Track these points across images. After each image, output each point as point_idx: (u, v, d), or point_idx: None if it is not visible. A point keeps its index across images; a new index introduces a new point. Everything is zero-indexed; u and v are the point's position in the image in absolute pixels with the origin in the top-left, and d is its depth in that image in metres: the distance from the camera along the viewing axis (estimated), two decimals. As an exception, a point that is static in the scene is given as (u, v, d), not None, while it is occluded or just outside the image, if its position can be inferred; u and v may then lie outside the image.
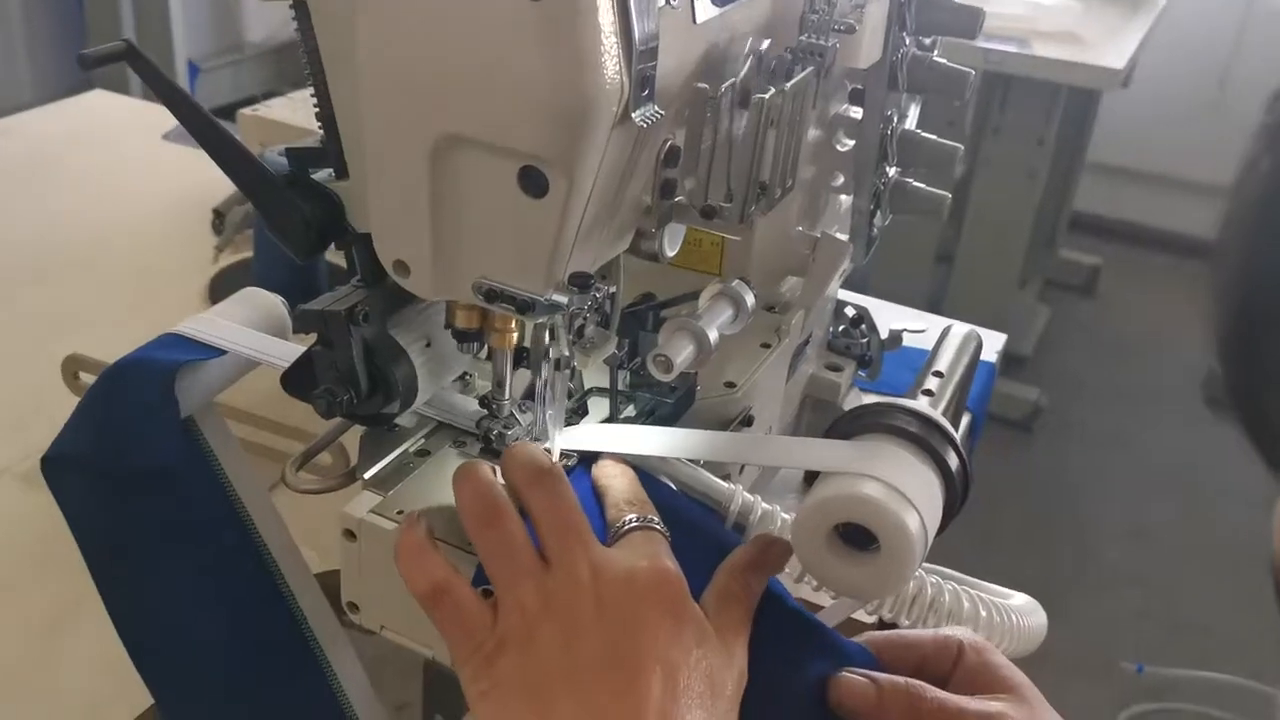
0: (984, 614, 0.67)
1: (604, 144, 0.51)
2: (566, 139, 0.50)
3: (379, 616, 0.62)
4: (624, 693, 0.50)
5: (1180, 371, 3.23)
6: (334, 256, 1.13)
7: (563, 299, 0.55)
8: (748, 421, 0.73)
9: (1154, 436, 2.98)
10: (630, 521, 0.56)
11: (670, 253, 0.64)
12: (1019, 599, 0.75)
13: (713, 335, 0.59)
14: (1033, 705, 0.55)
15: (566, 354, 0.56)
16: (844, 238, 0.83)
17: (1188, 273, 3.75)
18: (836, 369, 0.96)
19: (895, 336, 0.98)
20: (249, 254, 1.18)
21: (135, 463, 0.66)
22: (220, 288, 1.13)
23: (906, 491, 0.54)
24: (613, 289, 0.63)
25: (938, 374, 0.66)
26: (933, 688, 0.54)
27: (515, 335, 0.61)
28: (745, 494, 0.64)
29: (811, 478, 0.99)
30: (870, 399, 1.08)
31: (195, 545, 0.69)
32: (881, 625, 0.89)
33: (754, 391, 0.74)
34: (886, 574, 0.54)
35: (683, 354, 0.58)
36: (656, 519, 0.57)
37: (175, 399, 0.65)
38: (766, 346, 0.77)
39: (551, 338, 0.58)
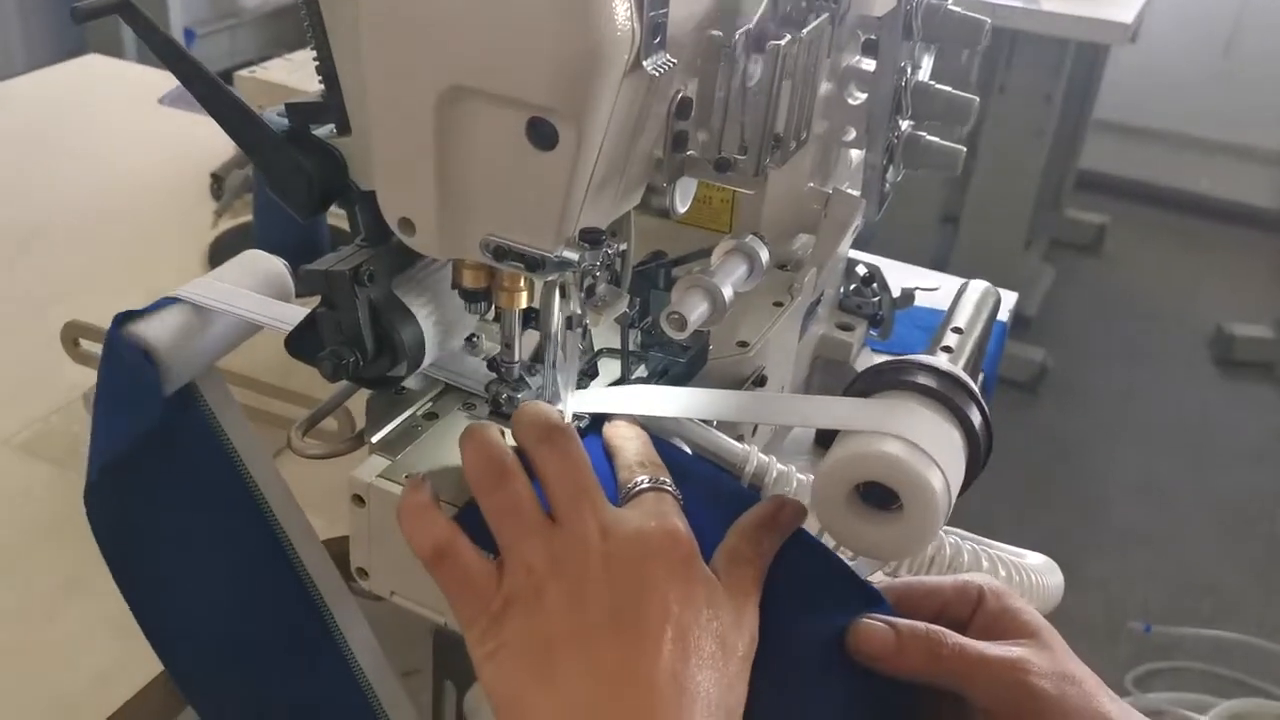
0: (1003, 573, 0.66)
1: (615, 94, 0.50)
2: (576, 89, 0.49)
3: (389, 582, 0.61)
4: (632, 654, 0.49)
5: (1187, 330, 3.22)
6: (335, 220, 1.12)
7: (574, 256, 0.53)
8: (760, 381, 0.71)
9: (1160, 396, 2.97)
10: (641, 483, 0.55)
11: (681, 208, 0.62)
12: (1035, 559, 0.74)
13: (727, 292, 0.58)
14: (1054, 649, 0.54)
15: (579, 312, 0.54)
16: (855, 193, 0.82)
17: (1195, 231, 3.73)
18: (848, 328, 0.95)
19: (908, 295, 0.96)
20: (249, 218, 1.16)
21: (134, 430, 0.65)
22: (220, 252, 1.11)
23: (929, 449, 0.53)
24: (623, 246, 0.61)
25: (957, 330, 0.65)
26: (952, 633, 0.53)
27: (524, 295, 0.59)
28: (760, 454, 0.63)
29: (824, 438, 0.98)
30: (883, 359, 1.07)
31: (200, 514, 0.68)
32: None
33: (767, 351, 0.73)
34: (910, 534, 0.52)
35: (697, 311, 0.56)
36: (668, 480, 0.55)
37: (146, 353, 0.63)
38: (779, 305, 0.76)
39: (562, 296, 0.56)
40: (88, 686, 0.73)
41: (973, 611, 0.56)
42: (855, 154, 0.88)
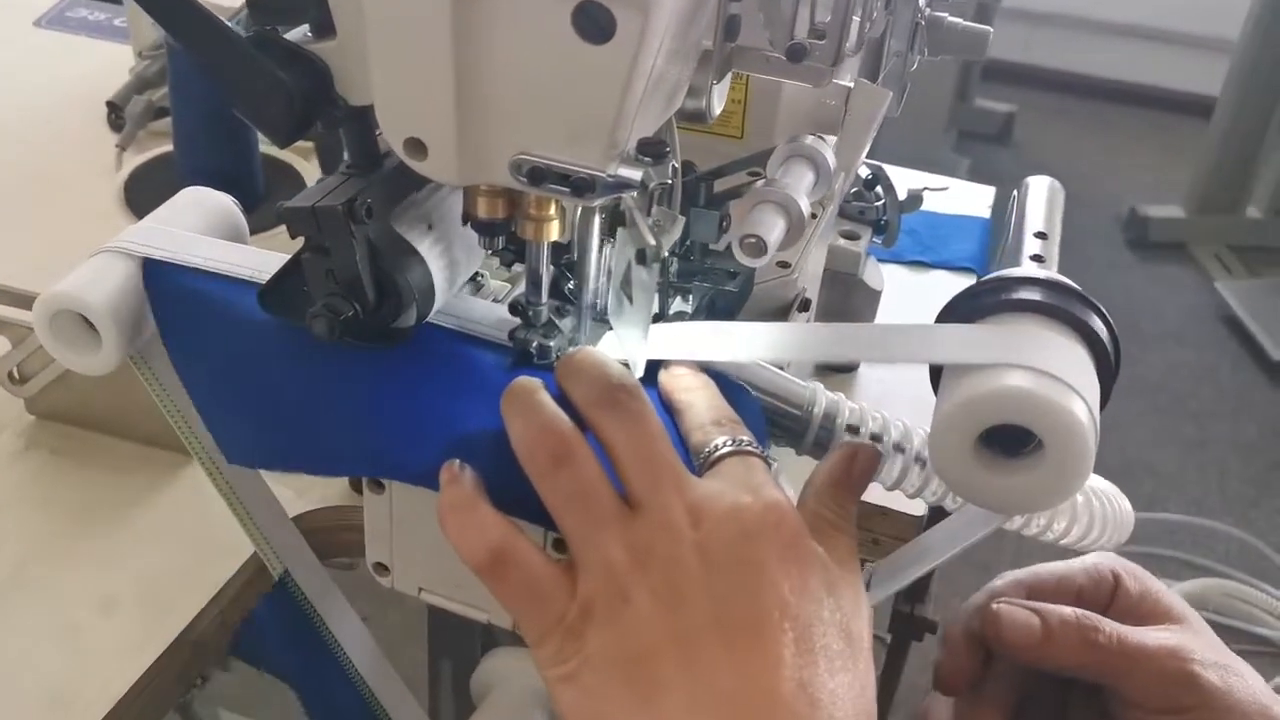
0: (1095, 504, 0.59)
1: (689, -34, 0.40)
2: (643, -39, 0.39)
3: (416, 578, 0.51)
4: (749, 661, 0.40)
5: (1102, 214, 3.22)
6: (266, 147, 0.99)
7: (634, 174, 0.44)
8: (804, 306, 0.63)
9: (1080, 281, 2.92)
10: (722, 445, 0.46)
11: (718, 110, 0.53)
12: (1101, 482, 0.68)
13: (803, 205, 0.49)
14: (1205, 635, 0.49)
15: (652, 244, 0.44)
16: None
17: (1100, 115, 3.73)
18: (852, 237, 0.86)
19: (915, 197, 0.88)
20: (161, 150, 1.03)
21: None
22: (138, 191, 0.97)
23: (1063, 375, 0.45)
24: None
25: (1040, 235, 0.56)
26: (1107, 620, 0.46)
27: (555, 224, 0.49)
28: (829, 393, 0.55)
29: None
30: (889, 269, 0.99)
31: None
32: (936, 515, 0.81)
33: (805, 271, 0.64)
34: (1055, 479, 0.44)
35: (775, 231, 0.47)
36: (750, 439, 0.46)
37: None
38: (811, 217, 0.67)
39: (621, 224, 0.47)
40: (37, 714, 0.63)
41: (1110, 597, 0.49)
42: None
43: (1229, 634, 1.98)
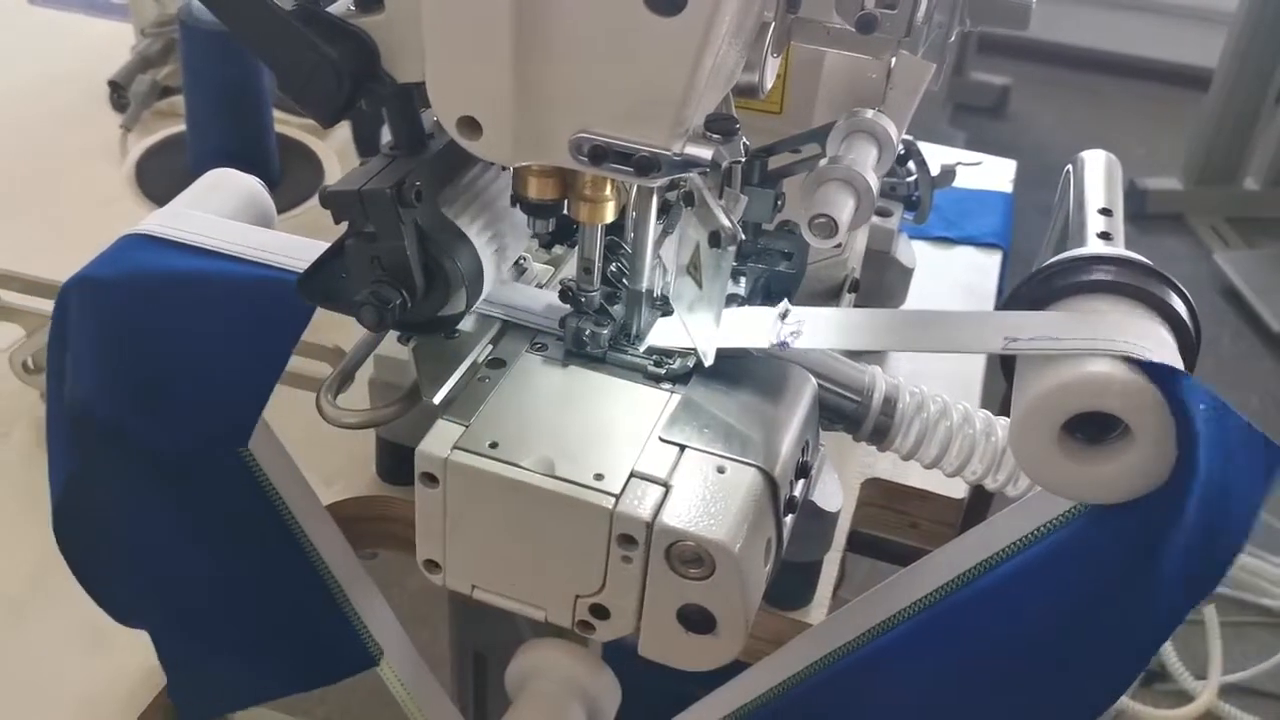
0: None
1: (768, -67, 0.38)
2: (722, -73, 0.36)
3: (468, 575, 0.49)
4: None
5: (1099, 187, 3.20)
6: (282, 126, 0.96)
7: (704, 153, 0.41)
8: (854, 287, 0.61)
9: (1079, 255, 2.94)
10: None
11: (770, 84, 0.51)
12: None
13: (873, 182, 0.47)
14: None
15: (727, 226, 0.42)
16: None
17: (1095, 88, 3.71)
18: (885, 214, 0.84)
19: (948, 172, 0.86)
20: (171, 130, 0.99)
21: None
22: (151, 174, 0.94)
23: (1148, 359, 0.43)
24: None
25: (1105, 211, 0.54)
26: None
27: (611, 206, 0.47)
28: (887, 378, 0.53)
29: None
30: (919, 246, 0.97)
31: (180, 485, 0.57)
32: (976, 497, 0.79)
33: (854, 249, 0.62)
34: (1144, 464, 0.42)
35: (846, 210, 0.45)
36: None
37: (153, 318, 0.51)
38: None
39: (687, 205, 0.44)
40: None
41: None
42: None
43: (1235, 606, 1.98)
